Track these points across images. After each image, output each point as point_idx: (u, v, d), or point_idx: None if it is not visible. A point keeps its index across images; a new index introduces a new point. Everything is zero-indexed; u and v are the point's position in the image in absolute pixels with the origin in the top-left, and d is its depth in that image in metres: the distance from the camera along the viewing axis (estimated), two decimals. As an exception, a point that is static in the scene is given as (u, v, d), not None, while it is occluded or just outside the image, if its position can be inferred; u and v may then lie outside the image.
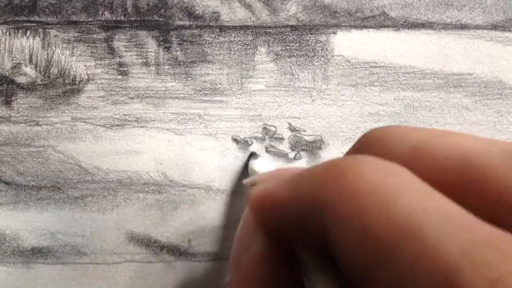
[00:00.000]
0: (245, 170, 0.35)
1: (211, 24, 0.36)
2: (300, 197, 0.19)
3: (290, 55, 0.36)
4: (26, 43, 0.35)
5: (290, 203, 0.19)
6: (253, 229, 0.23)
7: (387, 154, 0.19)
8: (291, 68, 0.35)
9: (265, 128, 0.35)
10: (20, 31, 0.35)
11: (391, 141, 0.20)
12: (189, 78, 0.35)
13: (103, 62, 0.35)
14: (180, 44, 0.35)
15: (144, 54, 0.35)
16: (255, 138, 0.35)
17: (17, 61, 0.35)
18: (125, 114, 0.35)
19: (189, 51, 0.35)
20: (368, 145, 0.21)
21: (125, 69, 0.35)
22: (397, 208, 0.15)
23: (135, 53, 0.36)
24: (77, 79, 0.35)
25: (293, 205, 0.19)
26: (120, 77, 0.35)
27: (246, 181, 0.27)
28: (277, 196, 0.20)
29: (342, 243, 0.16)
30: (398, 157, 0.19)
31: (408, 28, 0.36)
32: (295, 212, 0.19)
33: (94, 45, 0.35)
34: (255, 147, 0.35)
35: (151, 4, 0.35)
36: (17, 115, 0.35)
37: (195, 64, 0.35)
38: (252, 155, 0.35)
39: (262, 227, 0.22)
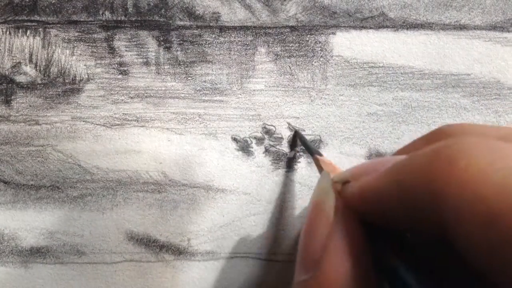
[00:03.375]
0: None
1: (211, 24, 0.36)
2: (408, 189, 0.18)
3: (289, 56, 0.36)
4: (26, 43, 0.35)
5: (396, 196, 0.19)
6: (332, 223, 0.22)
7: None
8: (290, 68, 0.36)
9: (264, 127, 0.35)
10: (20, 30, 0.35)
11: (473, 132, 0.20)
12: (189, 78, 0.35)
13: (103, 62, 0.35)
14: (180, 44, 0.36)
15: (145, 54, 0.36)
16: (254, 137, 0.35)
17: (17, 60, 0.35)
18: (125, 114, 0.35)
19: (189, 51, 0.36)
20: (446, 136, 0.21)
21: (125, 68, 0.35)
22: None
23: (135, 52, 0.36)
24: (77, 78, 0.35)
25: (399, 198, 0.19)
26: (120, 76, 0.35)
27: (337, 177, 0.25)
28: (381, 190, 0.20)
29: (467, 235, 0.16)
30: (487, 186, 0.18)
31: (407, 29, 0.36)
32: (402, 205, 0.19)
33: (94, 44, 0.35)
34: (256, 147, 0.35)
35: (151, 4, 0.36)
36: (17, 114, 0.35)
37: (195, 64, 0.36)
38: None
39: (349, 220, 0.22)
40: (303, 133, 0.35)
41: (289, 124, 0.35)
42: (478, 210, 0.15)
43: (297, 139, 0.35)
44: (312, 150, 0.32)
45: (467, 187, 0.16)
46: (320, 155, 0.31)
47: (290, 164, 0.35)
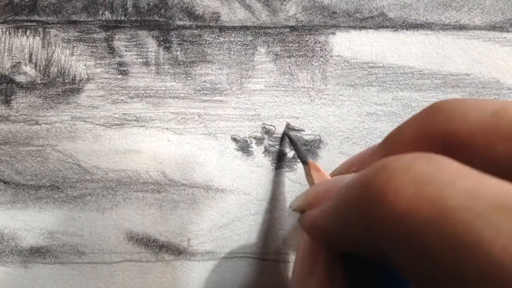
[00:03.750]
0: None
1: (211, 24, 0.36)
2: (348, 226, 0.19)
3: (289, 56, 0.36)
4: (26, 42, 0.35)
5: (341, 232, 0.20)
6: (315, 251, 0.23)
7: (461, 120, 0.19)
8: (290, 68, 0.36)
9: (264, 127, 0.35)
10: (20, 30, 0.35)
11: (465, 107, 0.19)
12: (189, 78, 0.35)
13: (103, 62, 0.35)
14: (180, 44, 0.36)
15: (144, 54, 0.36)
16: (254, 137, 0.35)
17: (17, 60, 0.35)
18: (125, 114, 0.35)
19: (189, 51, 0.36)
20: (437, 112, 0.21)
21: (125, 68, 0.35)
22: (449, 221, 0.14)
23: (135, 52, 0.36)
24: (77, 78, 0.35)
25: (344, 232, 0.19)
26: (120, 76, 0.35)
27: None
28: (327, 226, 0.21)
29: (402, 265, 0.16)
30: (476, 121, 0.18)
31: (407, 29, 0.36)
32: (348, 238, 0.19)
33: (94, 44, 0.35)
34: (256, 147, 0.35)
35: (151, 4, 0.36)
36: (17, 114, 0.35)
37: (195, 64, 0.36)
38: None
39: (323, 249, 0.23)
40: (302, 133, 0.35)
41: (288, 124, 0.35)
42: (413, 245, 0.15)
43: (285, 140, 0.35)
44: (302, 157, 0.32)
45: (398, 224, 0.16)
46: (306, 163, 0.32)
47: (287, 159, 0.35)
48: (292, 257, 0.34)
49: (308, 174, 0.31)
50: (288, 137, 0.35)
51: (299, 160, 0.35)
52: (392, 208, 0.16)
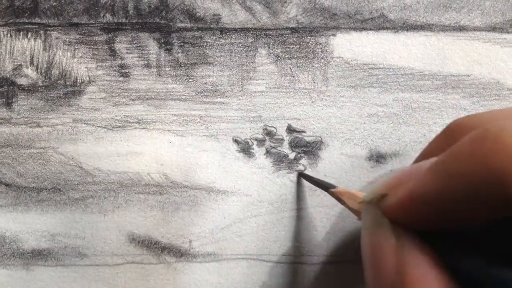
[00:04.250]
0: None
1: (212, 26, 0.36)
2: (461, 179, 0.18)
3: (290, 57, 0.36)
4: (27, 45, 0.35)
5: (450, 191, 0.19)
6: (397, 249, 0.22)
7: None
8: (291, 69, 0.36)
9: (265, 129, 0.35)
10: (21, 33, 0.35)
11: (492, 119, 0.20)
12: (190, 80, 0.35)
13: (104, 64, 0.35)
14: (181, 46, 0.36)
15: (146, 56, 0.36)
16: (255, 139, 0.35)
17: (18, 63, 0.35)
18: (126, 116, 0.35)
19: (190, 53, 0.36)
20: (460, 131, 0.21)
21: (127, 71, 0.35)
22: None
23: (136, 55, 0.36)
24: (78, 80, 0.35)
25: (453, 191, 0.19)
26: (121, 78, 0.35)
27: (369, 196, 0.25)
28: (430, 190, 0.20)
29: None
30: None
31: (407, 30, 0.36)
32: (458, 198, 0.19)
33: (95, 47, 0.36)
34: (257, 149, 0.35)
35: (152, 6, 0.36)
36: (18, 117, 0.35)
37: (196, 66, 0.36)
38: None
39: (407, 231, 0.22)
40: (303, 134, 0.35)
41: (289, 125, 0.35)
42: None
43: (301, 179, 0.35)
44: (325, 185, 0.32)
45: None
46: (333, 187, 0.31)
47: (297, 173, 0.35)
48: (292, 258, 0.34)
49: (339, 199, 0.30)
50: (303, 176, 0.35)
51: (300, 162, 0.35)
52: None
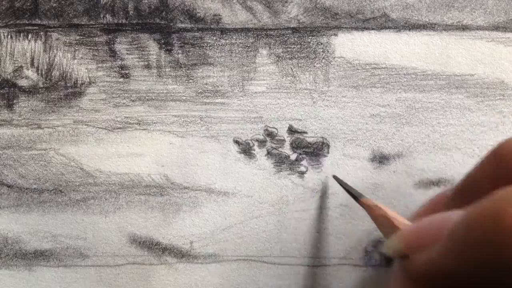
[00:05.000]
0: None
1: (212, 26, 0.36)
2: (476, 261, 0.18)
3: (291, 57, 0.36)
4: (28, 46, 0.35)
5: (465, 271, 0.19)
6: None
7: None
8: (292, 70, 0.35)
9: (266, 130, 0.35)
10: (21, 34, 0.35)
11: None
12: (190, 81, 0.35)
13: (104, 65, 0.35)
14: (181, 46, 0.36)
15: (146, 57, 0.36)
16: (256, 140, 0.35)
17: (19, 64, 0.35)
18: (127, 117, 0.35)
19: (190, 53, 0.35)
20: (508, 162, 0.21)
21: (127, 71, 0.35)
22: None
23: (136, 56, 0.36)
24: (78, 82, 0.35)
25: (469, 271, 0.18)
26: (121, 79, 0.35)
27: (389, 250, 0.25)
28: (447, 267, 0.19)
29: None
30: None
31: (409, 30, 0.35)
32: (474, 277, 0.18)
33: (95, 48, 0.36)
34: (258, 150, 0.35)
35: (152, 7, 0.36)
36: (19, 118, 0.35)
37: (197, 67, 0.35)
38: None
39: None
40: (304, 135, 0.35)
41: (291, 126, 0.35)
42: None
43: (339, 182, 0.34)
44: (355, 194, 0.31)
45: None
46: (361, 196, 0.31)
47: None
48: (293, 260, 0.34)
49: (369, 212, 0.30)
50: (336, 180, 0.34)
51: (301, 163, 0.35)
52: None
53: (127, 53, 0.36)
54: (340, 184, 0.33)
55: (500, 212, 0.16)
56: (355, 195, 0.31)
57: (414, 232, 0.23)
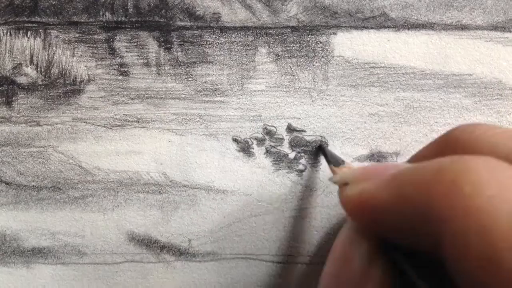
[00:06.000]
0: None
1: (211, 25, 0.36)
2: (406, 202, 0.18)
3: (290, 56, 0.36)
4: (27, 44, 0.35)
5: (394, 208, 0.19)
6: (356, 240, 0.22)
7: (489, 153, 0.18)
8: (291, 68, 0.35)
9: (265, 128, 0.35)
10: (21, 31, 0.35)
11: (485, 144, 0.20)
12: (189, 79, 0.35)
13: (104, 63, 0.35)
14: (181, 44, 0.36)
15: (145, 55, 0.36)
16: (255, 138, 0.35)
17: (18, 62, 0.35)
18: (126, 115, 0.35)
19: (189, 51, 0.36)
20: (453, 146, 0.21)
21: (126, 69, 0.35)
22: None
23: (136, 53, 0.36)
24: (77, 79, 0.35)
25: (397, 210, 0.18)
26: (121, 77, 0.35)
27: (335, 178, 0.26)
28: (378, 200, 0.20)
29: (460, 260, 0.15)
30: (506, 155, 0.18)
31: (408, 29, 0.36)
32: (400, 218, 0.18)
33: (95, 45, 0.35)
34: (257, 148, 0.35)
35: (152, 5, 0.36)
36: (18, 116, 0.35)
37: (196, 65, 0.36)
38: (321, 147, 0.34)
39: (365, 235, 0.22)
40: (303, 134, 0.35)
41: (290, 125, 0.35)
42: (480, 243, 0.15)
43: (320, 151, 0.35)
44: (332, 160, 0.32)
45: (470, 215, 0.15)
46: (341, 164, 0.31)
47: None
48: (292, 258, 0.34)
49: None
50: (322, 150, 0.34)
51: (300, 161, 0.35)
52: (467, 201, 0.15)
53: (126, 51, 0.36)
54: (323, 154, 0.34)
55: (453, 171, 0.16)
56: (331, 161, 0.31)
57: (362, 168, 0.24)
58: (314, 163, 0.35)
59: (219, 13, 0.36)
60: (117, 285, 0.34)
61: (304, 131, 0.35)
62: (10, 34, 0.35)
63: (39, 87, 0.35)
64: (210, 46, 0.36)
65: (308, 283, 0.34)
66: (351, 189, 0.22)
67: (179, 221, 0.35)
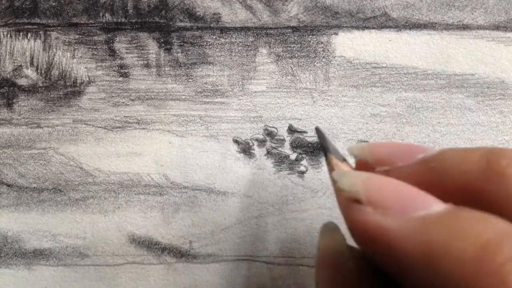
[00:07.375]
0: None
1: (212, 25, 0.36)
2: (435, 267, 0.16)
3: (291, 56, 0.35)
4: (27, 46, 0.35)
5: (417, 263, 0.16)
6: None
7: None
8: (292, 69, 0.35)
9: (266, 129, 0.35)
10: (21, 33, 0.35)
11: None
12: (190, 80, 0.35)
13: (104, 64, 0.35)
14: (181, 45, 0.35)
15: (145, 56, 0.35)
16: (256, 139, 0.35)
17: (18, 64, 0.35)
18: (126, 116, 0.35)
19: (190, 52, 0.35)
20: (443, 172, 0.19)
21: (126, 71, 0.35)
22: None
23: (136, 55, 0.35)
24: (78, 81, 0.35)
25: (414, 257, 0.16)
26: (121, 79, 0.35)
27: (341, 183, 0.20)
28: (401, 245, 0.17)
29: None
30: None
31: (410, 29, 0.35)
32: (413, 263, 0.16)
33: (95, 47, 0.35)
34: (258, 149, 0.35)
35: (152, 6, 0.35)
36: (19, 117, 0.35)
37: (196, 66, 0.35)
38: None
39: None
40: (304, 135, 0.35)
41: (291, 125, 0.35)
42: None
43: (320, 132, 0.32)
44: (329, 149, 0.27)
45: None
46: (338, 155, 0.27)
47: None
48: (293, 260, 0.34)
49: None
50: (319, 133, 0.31)
51: (301, 163, 0.35)
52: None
53: (126, 52, 0.36)
54: (319, 138, 0.30)
55: (492, 158, 0.17)
56: (327, 150, 0.27)
57: (383, 145, 0.21)
58: (316, 164, 0.35)
59: (219, 14, 0.36)
60: (118, 287, 0.34)
61: (306, 132, 0.35)
62: (10, 36, 0.35)
63: (39, 89, 0.35)
64: (210, 46, 0.35)
65: (309, 285, 0.34)
66: (364, 213, 0.18)
67: (180, 222, 0.34)
